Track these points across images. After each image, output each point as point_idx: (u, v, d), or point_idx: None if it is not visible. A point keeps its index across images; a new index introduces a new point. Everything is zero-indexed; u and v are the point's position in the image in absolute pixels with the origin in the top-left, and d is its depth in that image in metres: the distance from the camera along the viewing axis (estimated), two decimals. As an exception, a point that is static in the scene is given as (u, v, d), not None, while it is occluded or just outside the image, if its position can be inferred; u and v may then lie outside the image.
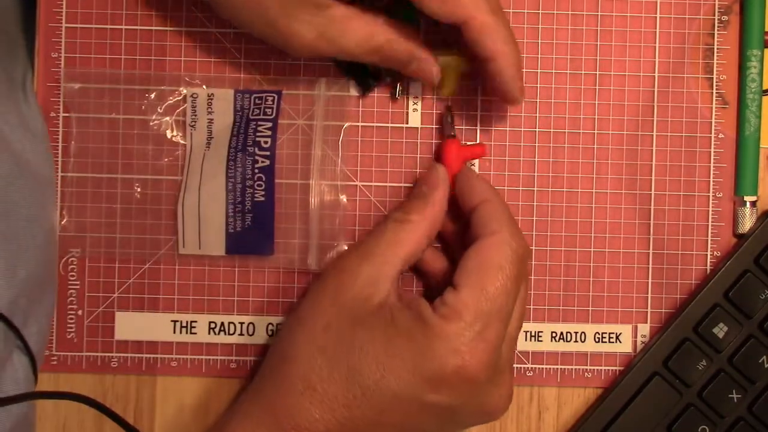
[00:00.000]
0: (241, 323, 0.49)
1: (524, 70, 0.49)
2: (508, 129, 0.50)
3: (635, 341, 0.50)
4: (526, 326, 0.50)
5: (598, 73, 0.50)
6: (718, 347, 0.48)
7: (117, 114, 0.49)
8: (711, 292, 0.49)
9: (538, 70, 0.50)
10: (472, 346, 0.41)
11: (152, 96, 0.49)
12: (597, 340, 0.50)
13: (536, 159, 0.50)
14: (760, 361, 0.48)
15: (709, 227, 0.50)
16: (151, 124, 0.49)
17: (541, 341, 0.50)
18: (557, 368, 0.50)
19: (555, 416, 0.50)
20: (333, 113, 0.49)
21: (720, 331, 0.48)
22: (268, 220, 0.48)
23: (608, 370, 0.50)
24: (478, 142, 0.50)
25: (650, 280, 0.50)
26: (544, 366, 0.50)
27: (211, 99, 0.49)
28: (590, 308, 0.50)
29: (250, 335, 0.50)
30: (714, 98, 0.50)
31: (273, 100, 0.48)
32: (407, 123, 0.50)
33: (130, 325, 0.49)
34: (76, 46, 0.49)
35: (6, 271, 0.42)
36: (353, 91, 0.49)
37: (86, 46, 0.49)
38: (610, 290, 0.50)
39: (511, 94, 0.45)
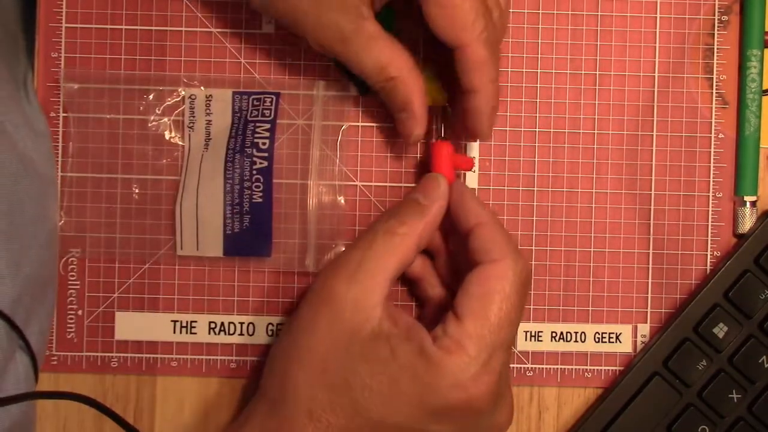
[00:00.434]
0: (241, 323, 0.50)
1: (524, 70, 0.50)
2: (508, 129, 0.50)
3: (635, 341, 0.50)
4: (526, 326, 0.50)
5: (598, 73, 0.50)
6: (718, 347, 0.48)
7: (116, 114, 0.49)
8: (711, 292, 0.48)
9: (538, 70, 0.50)
10: (476, 378, 0.41)
11: (151, 97, 0.49)
12: (597, 340, 0.50)
13: (536, 159, 0.50)
14: (760, 361, 0.48)
15: (709, 227, 0.50)
16: (149, 125, 0.49)
17: (541, 341, 0.50)
18: (557, 368, 0.50)
19: (555, 416, 0.50)
20: (332, 113, 0.49)
21: (720, 331, 0.48)
22: (266, 222, 0.48)
23: (608, 370, 0.50)
24: (467, 154, 0.49)
25: (650, 280, 0.50)
26: (544, 366, 0.50)
27: (210, 100, 0.49)
28: (590, 308, 0.50)
29: (251, 335, 0.50)
30: (714, 98, 0.50)
31: (271, 102, 0.48)
32: (407, 123, 0.50)
33: (130, 325, 0.49)
34: (76, 46, 0.49)
35: (10, 269, 0.42)
36: (352, 92, 0.49)
37: (86, 46, 0.49)
38: (610, 290, 0.50)
39: (479, 130, 0.45)
